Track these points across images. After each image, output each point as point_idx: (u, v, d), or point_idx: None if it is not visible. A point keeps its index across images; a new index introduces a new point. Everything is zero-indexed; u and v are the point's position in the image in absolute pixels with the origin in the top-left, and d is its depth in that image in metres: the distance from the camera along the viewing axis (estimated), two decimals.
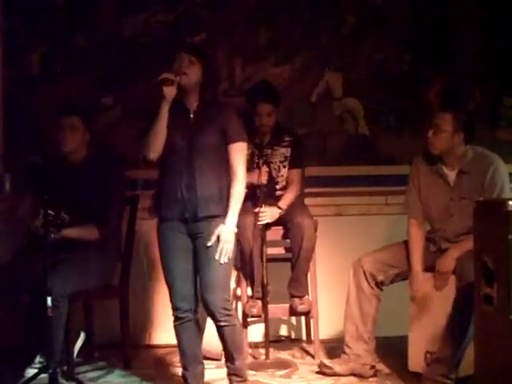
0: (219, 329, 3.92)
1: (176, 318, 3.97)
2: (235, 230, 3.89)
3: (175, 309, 3.95)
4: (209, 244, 3.83)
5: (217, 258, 3.82)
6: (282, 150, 4.99)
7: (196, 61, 3.88)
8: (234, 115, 3.96)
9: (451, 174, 4.45)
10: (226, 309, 3.87)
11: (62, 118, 4.58)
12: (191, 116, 3.92)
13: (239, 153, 3.92)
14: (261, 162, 4.77)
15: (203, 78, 3.89)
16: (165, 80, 3.83)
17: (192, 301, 3.95)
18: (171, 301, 3.97)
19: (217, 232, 3.83)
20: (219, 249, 3.83)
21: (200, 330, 4.06)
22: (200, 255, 3.88)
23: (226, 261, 3.85)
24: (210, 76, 3.91)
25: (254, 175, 4.72)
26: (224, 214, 3.86)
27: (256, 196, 4.76)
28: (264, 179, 4.78)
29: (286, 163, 4.99)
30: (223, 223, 3.85)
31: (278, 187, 4.99)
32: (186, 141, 3.87)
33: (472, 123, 4.45)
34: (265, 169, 4.83)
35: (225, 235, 3.84)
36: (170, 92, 3.84)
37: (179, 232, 3.91)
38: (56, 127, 4.57)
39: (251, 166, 4.68)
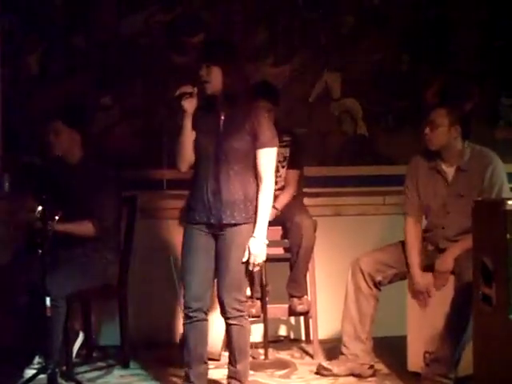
0: (228, 327, 3.93)
1: (186, 317, 3.96)
2: (266, 241, 3.88)
3: (186, 307, 3.95)
4: (243, 260, 3.83)
5: (249, 268, 3.85)
6: (281, 150, 4.97)
7: (214, 66, 3.81)
8: (265, 119, 3.91)
9: (449, 171, 4.45)
10: (238, 309, 3.89)
11: (46, 123, 4.59)
12: (222, 119, 3.88)
13: (269, 159, 3.88)
14: None
15: (228, 82, 3.81)
16: (183, 94, 3.82)
17: (205, 301, 3.95)
18: (184, 298, 3.96)
19: (248, 245, 3.83)
20: (250, 261, 3.83)
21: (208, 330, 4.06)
22: (219, 255, 3.89)
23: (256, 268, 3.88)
24: (234, 78, 3.82)
25: None
26: (249, 221, 3.85)
27: None
28: None
29: (284, 163, 5.00)
30: (248, 231, 3.84)
31: (276, 187, 4.98)
32: (214, 145, 3.85)
33: (467, 117, 4.47)
34: None
35: (255, 249, 3.84)
36: (189, 105, 3.83)
37: (204, 232, 3.90)
38: (44, 132, 4.59)
39: None
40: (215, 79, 3.82)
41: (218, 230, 3.88)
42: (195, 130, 3.90)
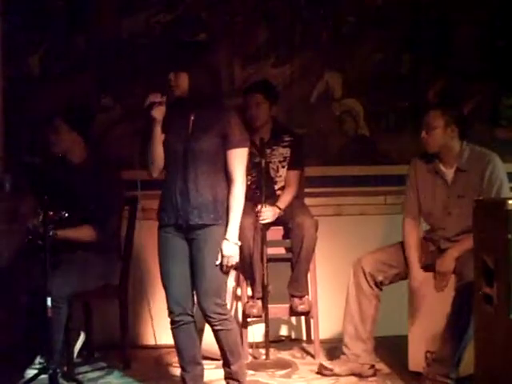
0: (214, 332, 3.93)
1: (172, 321, 3.97)
2: (238, 243, 3.87)
3: (170, 312, 3.96)
4: (217, 263, 3.82)
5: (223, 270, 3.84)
6: (282, 150, 4.99)
7: (180, 71, 3.83)
8: (235, 120, 3.90)
9: (449, 172, 4.45)
10: (220, 313, 3.87)
11: (48, 122, 4.59)
12: (191, 120, 3.88)
13: (239, 159, 3.87)
14: (262, 161, 4.77)
15: (195, 84, 3.83)
16: (152, 104, 3.83)
17: (187, 304, 3.94)
18: (167, 304, 3.97)
19: (221, 247, 3.82)
20: (223, 264, 3.82)
21: (197, 331, 4.05)
22: (194, 261, 3.88)
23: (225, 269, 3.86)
24: (201, 81, 3.84)
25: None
26: (219, 222, 3.84)
27: (256, 196, 4.77)
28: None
29: (285, 163, 5.00)
30: (220, 234, 3.83)
31: (276, 187, 5.00)
32: (183, 146, 3.85)
33: (464, 117, 4.47)
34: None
35: (227, 250, 3.83)
36: (159, 113, 3.84)
37: (176, 236, 3.90)
38: (45, 132, 4.59)
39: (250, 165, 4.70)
40: (183, 83, 3.84)
41: (187, 233, 3.86)
42: (165, 131, 3.89)
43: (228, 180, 3.87)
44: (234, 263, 3.86)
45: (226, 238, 3.83)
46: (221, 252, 3.82)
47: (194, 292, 3.92)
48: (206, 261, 3.83)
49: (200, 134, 3.85)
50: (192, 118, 3.88)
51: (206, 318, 3.89)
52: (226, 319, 3.89)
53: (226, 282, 3.96)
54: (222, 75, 5.32)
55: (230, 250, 3.83)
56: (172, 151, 3.88)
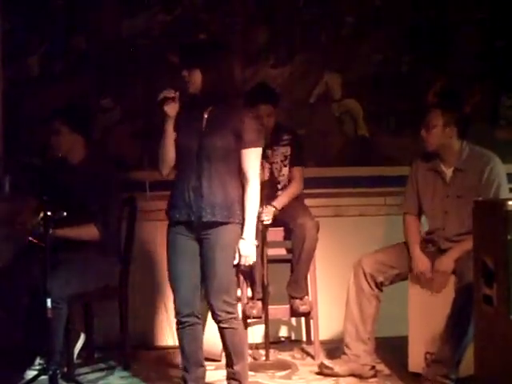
0: (220, 330, 3.92)
1: (178, 322, 3.96)
2: (255, 243, 3.87)
3: (178, 313, 3.95)
4: (235, 262, 3.82)
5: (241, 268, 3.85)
6: (282, 150, 5.00)
7: (194, 68, 3.82)
8: (250, 118, 3.88)
9: (448, 172, 4.47)
10: (228, 312, 3.86)
11: (48, 123, 4.58)
12: (205, 117, 3.87)
13: (254, 158, 3.85)
14: (263, 161, 4.78)
15: (208, 81, 3.81)
16: (165, 99, 3.82)
17: (195, 305, 3.93)
18: (174, 304, 3.96)
19: (237, 247, 3.82)
20: (241, 263, 3.83)
21: (202, 334, 4.05)
22: (205, 259, 3.87)
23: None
24: (214, 77, 3.82)
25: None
26: (231, 220, 3.83)
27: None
28: (266, 176, 4.78)
29: (286, 162, 5.00)
30: (232, 232, 3.83)
31: (279, 186, 5.00)
32: (197, 143, 3.83)
33: (465, 117, 4.48)
34: (267, 165, 4.83)
35: (245, 250, 3.83)
36: (172, 109, 3.83)
37: (187, 236, 3.89)
38: (45, 133, 4.59)
39: None
40: (197, 80, 3.82)
41: (199, 231, 3.85)
42: (177, 129, 3.88)
43: (243, 179, 3.86)
44: (251, 263, 3.86)
45: (242, 238, 3.83)
46: (238, 252, 3.82)
47: (203, 290, 3.90)
48: (217, 258, 3.82)
49: (214, 131, 3.83)
50: (205, 115, 3.87)
51: (214, 316, 3.88)
52: (233, 318, 3.89)
53: (235, 281, 3.96)
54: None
55: (248, 249, 3.83)
56: (185, 148, 3.86)
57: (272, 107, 4.89)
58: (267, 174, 4.81)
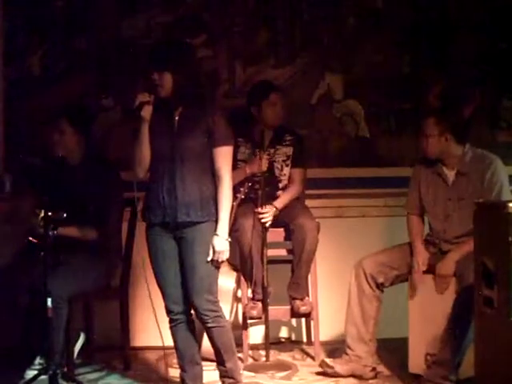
0: (207, 330, 3.94)
1: (170, 320, 4.00)
2: (228, 239, 3.89)
3: (168, 311, 3.98)
4: (208, 259, 3.84)
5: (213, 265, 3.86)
6: (284, 149, 5.00)
7: (164, 71, 3.82)
8: (220, 118, 3.91)
9: (450, 175, 4.47)
10: (212, 310, 3.89)
11: (50, 123, 4.58)
12: (176, 119, 3.89)
13: (225, 157, 3.88)
14: (262, 152, 4.78)
15: (178, 83, 3.82)
16: (141, 104, 3.84)
17: (184, 303, 3.95)
18: (164, 303, 3.98)
19: (211, 243, 3.84)
20: (215, 259, 3.84)
21: (195, 330, 4.05)
22: (184, 259, 3.89)
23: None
24: (184, 79, 3.83)
25: (255, 165, 4.75)
26: (206, 219, 3.85)
27: (257, 195, 4.77)
28: (265, 167, 4.78)
29: (288, 162, 5.00)
30: (208, 230, 3.84)
31: (280, 186, 5.00)
32: (169, 145, 3.86)
33: (462, 123, 4.49)
34: (265, 156, 4.83)
35: (218, 246, 3.85)
36: (147, 112, 3.86)
37: (165, 236, 3.91)
38: (48, 132, 4.58)
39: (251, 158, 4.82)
40: (167, 83, 3.83)
41: (175, 231, 3.87)
42: (150, 131, 3.90)
43: (215, 177, 3.88)
44: (224, 259, 3.88)
45: (216, 234, 3.84)
46: (212, 248, 3.83)
47: (184, 290, 3.92)
48: (196, 258, 3.85)
49: (185, 133, 3.86)
50: (176, 117, 3.89)
51: (199, 316, 3.90)
52: (219, 316, 3.91)
53: (217, 279, 3.96)
54: (223, 76, 5.36)
55: (222, 245, 3.85)
56: (158, 150, 3.89)
57: (282, 95, 4.90)
58: (266, 165, 4.82)
